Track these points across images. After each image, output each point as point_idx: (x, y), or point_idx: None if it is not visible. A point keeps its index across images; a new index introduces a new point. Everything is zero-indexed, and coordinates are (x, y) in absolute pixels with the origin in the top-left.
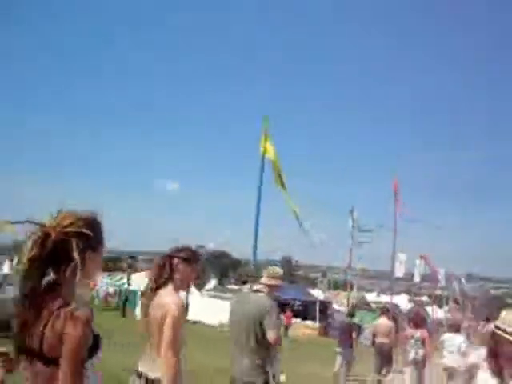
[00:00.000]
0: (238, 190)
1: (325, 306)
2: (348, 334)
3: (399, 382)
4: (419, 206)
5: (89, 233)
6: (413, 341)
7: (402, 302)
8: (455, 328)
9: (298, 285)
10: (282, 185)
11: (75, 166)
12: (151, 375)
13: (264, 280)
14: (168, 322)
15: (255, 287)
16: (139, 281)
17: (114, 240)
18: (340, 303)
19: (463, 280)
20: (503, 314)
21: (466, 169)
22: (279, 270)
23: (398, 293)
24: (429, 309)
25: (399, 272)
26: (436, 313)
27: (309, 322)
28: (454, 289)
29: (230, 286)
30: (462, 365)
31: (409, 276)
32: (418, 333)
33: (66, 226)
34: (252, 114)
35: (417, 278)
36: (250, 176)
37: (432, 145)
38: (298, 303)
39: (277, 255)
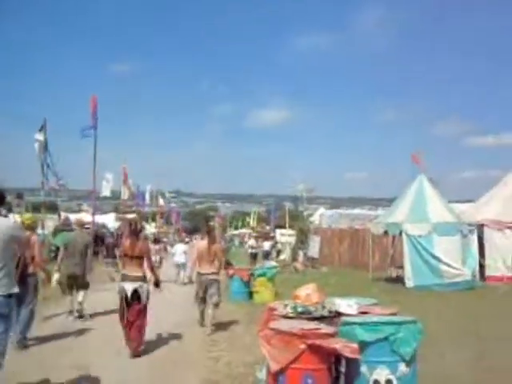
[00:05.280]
0: None
1: None
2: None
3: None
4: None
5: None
6: (153, 251)
7: (110, 220)
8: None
9: None
10: None
11: None
12: None
13: None
14: None
15: None
16: None
17: None
18: (41, 226)
19: (168, 195)
20: None
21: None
22: None
23: (107, 212)
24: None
25: (106, 191)
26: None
27: None
28: (160, 205)
29: None
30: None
31: (117, 194)
32: (157, 246)
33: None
34: None
35: (124, 196)
36: None
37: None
38: None
39: None
